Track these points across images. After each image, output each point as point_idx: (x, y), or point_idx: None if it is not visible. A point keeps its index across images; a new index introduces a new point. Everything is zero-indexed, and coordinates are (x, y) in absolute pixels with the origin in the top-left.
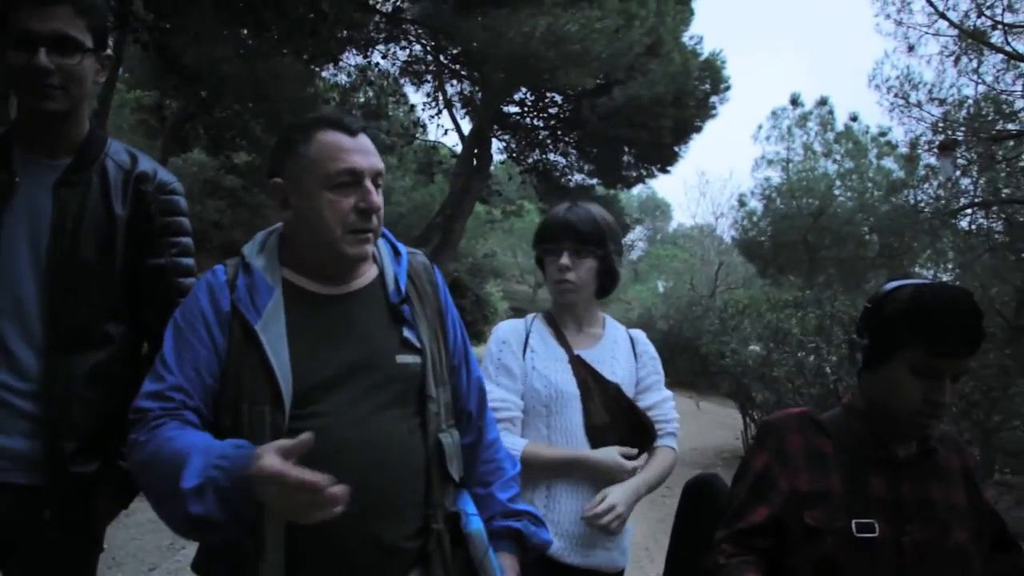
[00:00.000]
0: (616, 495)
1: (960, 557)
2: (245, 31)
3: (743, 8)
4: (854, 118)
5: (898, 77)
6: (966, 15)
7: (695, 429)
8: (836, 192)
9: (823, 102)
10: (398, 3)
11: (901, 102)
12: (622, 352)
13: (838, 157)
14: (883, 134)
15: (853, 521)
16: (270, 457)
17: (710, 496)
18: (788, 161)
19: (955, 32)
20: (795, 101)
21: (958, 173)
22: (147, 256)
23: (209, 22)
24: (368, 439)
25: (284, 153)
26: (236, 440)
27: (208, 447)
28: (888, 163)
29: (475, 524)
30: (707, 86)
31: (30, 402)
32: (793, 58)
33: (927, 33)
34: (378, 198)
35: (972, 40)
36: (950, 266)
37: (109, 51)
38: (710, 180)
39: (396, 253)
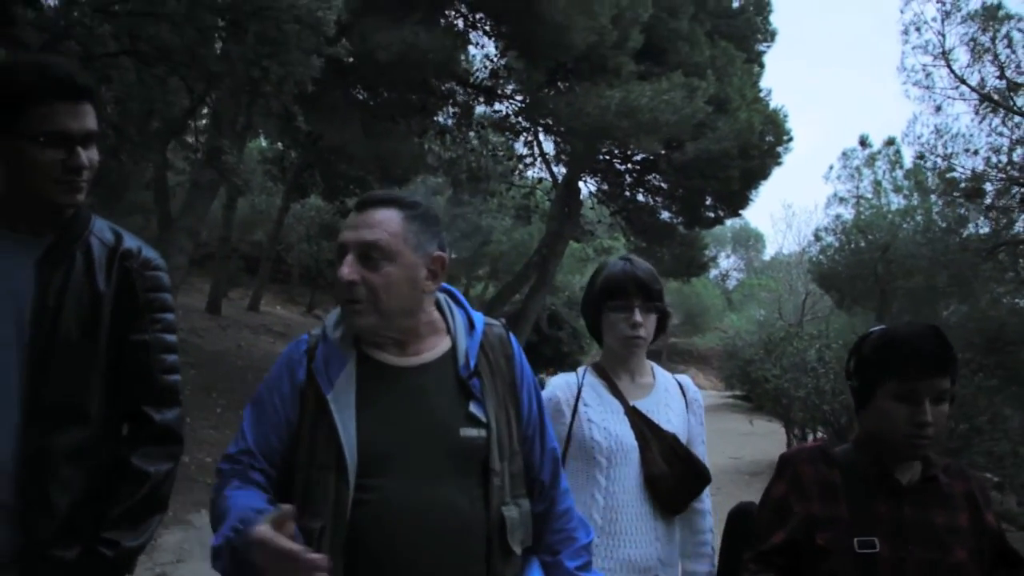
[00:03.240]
0: None
1: (958, 575)
2: (371, 115)
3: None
4: (920, 156)
5: (931, 133)
6: (982, 81)
7: (751, 443)
8: (905, 226)
9: (890, 142)
10: (493, 82)
11: (938, 158)
12: (674, 399)
13: (907, 193)
14: (950, 170)
15: (855, 539)
16: (263, 525)
17: (746, 523)
18: (858, 198)
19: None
20: (864, 142)
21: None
22: (130, 332)
23: (341, 111)
24: (427, 509)
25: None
26: (262, 505)
27: (240, 509)
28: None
29: None
30: (771, 138)
31: (8, 491)
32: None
33: (951, 98)
34: (344, 270)
35: (991, 103)
36: None
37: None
38: (796, 212)
39: (471, 326)
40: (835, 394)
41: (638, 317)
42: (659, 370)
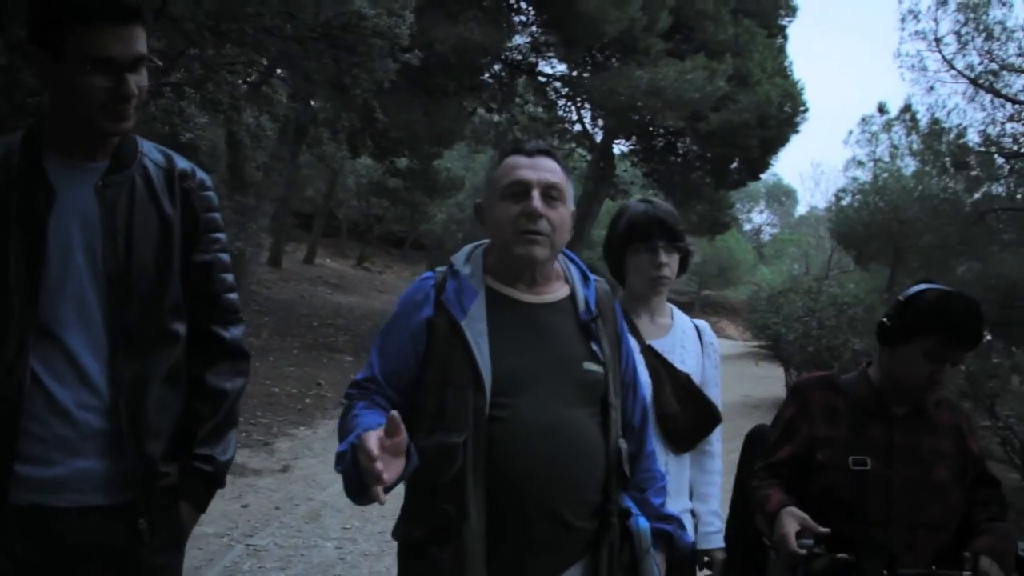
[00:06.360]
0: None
1: (939, 491)
2: (428, 95)
3: None
4: (936, 121)
5: (927, 109)
6: (969, 66)
7: (761, 384)
8: (920, 189)
9: (907, 108)
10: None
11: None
12: (690, 342)
13: (925, 157)
14: (960, 135)
15: (850, 457)
16: (370, 432)
17: (762, 442)
18: (875, 161)
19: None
20: (882, 109)
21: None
22: (194, 253)
23: (405, 95)
24: (557, 427)
25: (486, 180)
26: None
27: (367, 423)
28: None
29: (643, 523)
30: (788, 109)
31: (104, 418)
32: None
33: (940, 82)
34: (538, 203)
35: (976, 85)
36: None
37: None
38: (824, 171)
39: (585, 278)
40: (819, 339)
41: (663, 257)
42: (678, 313)
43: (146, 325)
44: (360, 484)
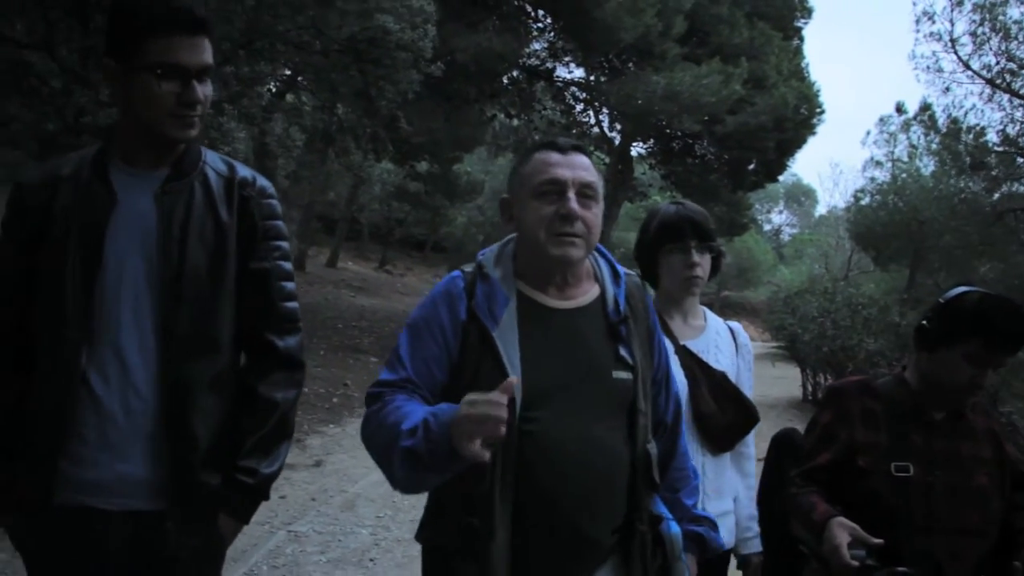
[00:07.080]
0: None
1: (980, 496)
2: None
3: None
4: (955, 121)
5: (942, 111)
6: (986, 66)
7: (779, 384)
8: (940, 188)
9: (926, 108)
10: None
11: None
12: (724, 342)
13: (944, 157)
14: (980, 135)
15: (892, 464)
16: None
17: (790, 446)
18: (894, 161)
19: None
20: (900, 109)
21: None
22: (251, 261)
23: (428, 103)
24: (583, 444)
25: (512, 175)
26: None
27: (427, 408)
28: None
29: (674, 528)
30: (804, 111)
31: (149, 423)
32: None
33: (957, 82)
34: (575, 205)
35: (993, 86)
36: None
37: None
38: (843, 171)
39: (615, 275)
40: (834, 339)
41: (696, 257)
42: (711, 314)
43: (195, 332)
44: (441, 453)
